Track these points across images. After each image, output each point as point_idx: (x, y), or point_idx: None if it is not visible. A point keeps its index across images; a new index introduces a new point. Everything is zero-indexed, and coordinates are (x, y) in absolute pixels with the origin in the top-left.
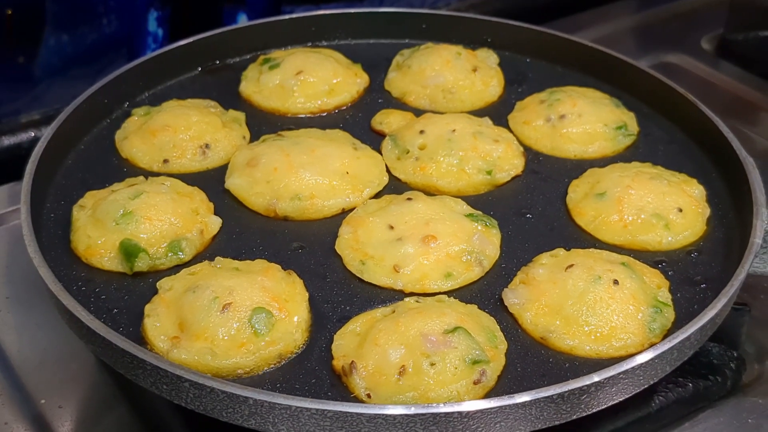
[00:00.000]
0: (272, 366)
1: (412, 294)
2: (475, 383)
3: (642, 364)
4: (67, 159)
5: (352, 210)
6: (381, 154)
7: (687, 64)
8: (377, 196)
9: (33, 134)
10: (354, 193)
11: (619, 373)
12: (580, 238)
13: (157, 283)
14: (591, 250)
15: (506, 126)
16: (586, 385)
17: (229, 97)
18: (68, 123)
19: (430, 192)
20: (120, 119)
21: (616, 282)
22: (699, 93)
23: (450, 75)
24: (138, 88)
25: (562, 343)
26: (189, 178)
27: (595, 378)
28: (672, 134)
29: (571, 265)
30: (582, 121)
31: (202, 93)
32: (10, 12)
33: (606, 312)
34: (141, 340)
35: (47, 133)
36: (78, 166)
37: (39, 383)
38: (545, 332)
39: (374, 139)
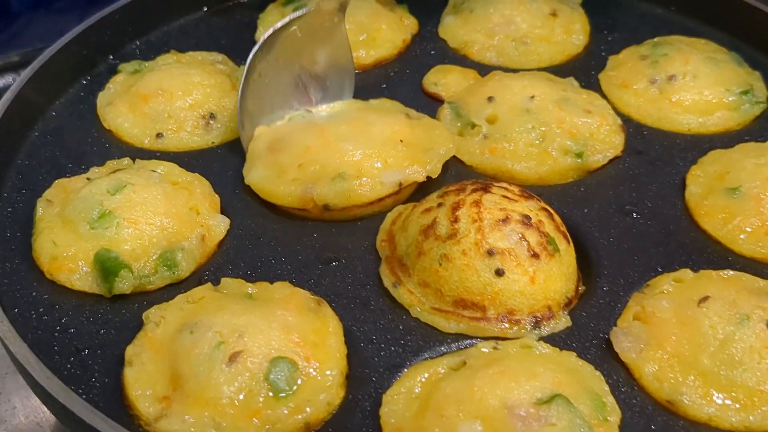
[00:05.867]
0: None
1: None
2: None
3: None
4: (32, 130)
5: (411, 186)
6: None
7: None
8: (445, 165)
9: (11, 79)
10: (414, 165)
11: None
12: (708, 249)
13: (144, 314)
14: (728, 272)
15: (597, 89)
16: None
17: (242, 47)
18: (35, 82)
19: (503, 179)
20: (103, 77)
21: None
22: None
23: (523, 21)
24: (126, 35)
25: (699, 410)
26: (188, 159)
27: None
28: None
29: (706, 298)
30: (697, 84)
31: (207, 42)
32: None
33: (757, 367)
34: (120, 395)
35: (6, 97)
36: (47, 139)
37: None
38: (674, 394)
39: (429, 106)
